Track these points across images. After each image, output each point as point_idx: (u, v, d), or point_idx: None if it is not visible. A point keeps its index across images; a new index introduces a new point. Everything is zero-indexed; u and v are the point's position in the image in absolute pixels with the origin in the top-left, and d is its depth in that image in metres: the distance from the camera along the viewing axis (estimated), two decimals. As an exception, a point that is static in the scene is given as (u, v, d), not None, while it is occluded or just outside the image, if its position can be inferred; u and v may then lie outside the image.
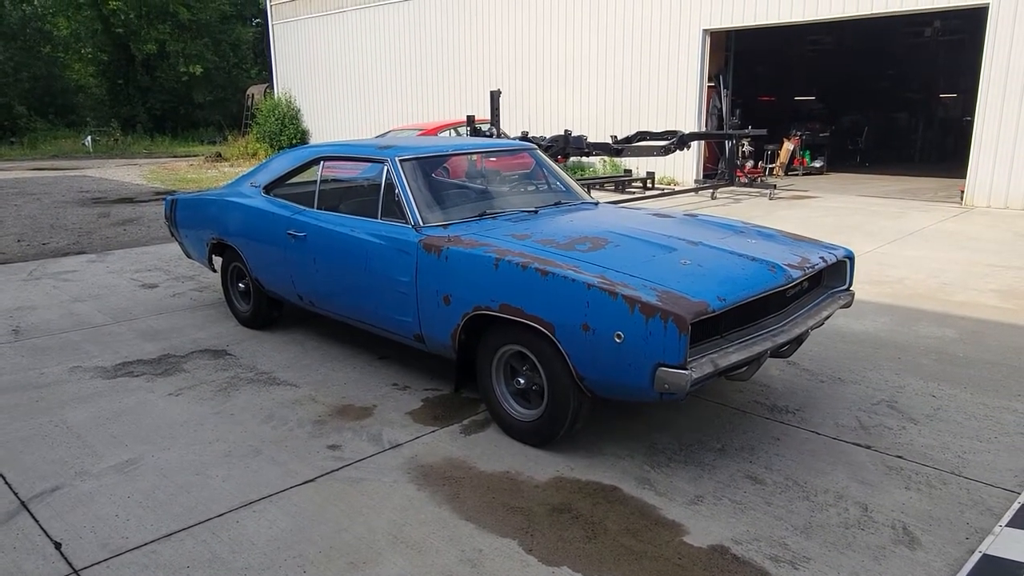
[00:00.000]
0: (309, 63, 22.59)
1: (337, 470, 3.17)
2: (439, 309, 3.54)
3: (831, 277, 3.85)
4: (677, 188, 13.16)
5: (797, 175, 15.80)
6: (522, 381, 3.36)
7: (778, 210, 10.49)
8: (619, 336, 2.83)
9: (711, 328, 3.04)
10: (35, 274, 7.04)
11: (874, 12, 11.64)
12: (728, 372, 3.00)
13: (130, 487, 3.03)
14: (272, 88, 24.27)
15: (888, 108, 20.66)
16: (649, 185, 13.41)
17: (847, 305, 3.80)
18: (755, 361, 3.07)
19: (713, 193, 12.33)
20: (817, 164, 16.28)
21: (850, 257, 3.81)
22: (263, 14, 26.92)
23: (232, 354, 4.68)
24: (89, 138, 26.77)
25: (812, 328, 3.42)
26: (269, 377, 4.27)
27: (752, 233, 3.92)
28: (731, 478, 3.07)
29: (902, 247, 7.79)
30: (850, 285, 3.85)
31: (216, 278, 6.48)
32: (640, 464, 3.19)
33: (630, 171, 14.32)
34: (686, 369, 2.73)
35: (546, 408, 3.24)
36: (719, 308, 2.88)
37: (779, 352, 3.32)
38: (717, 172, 13.83)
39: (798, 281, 3.35)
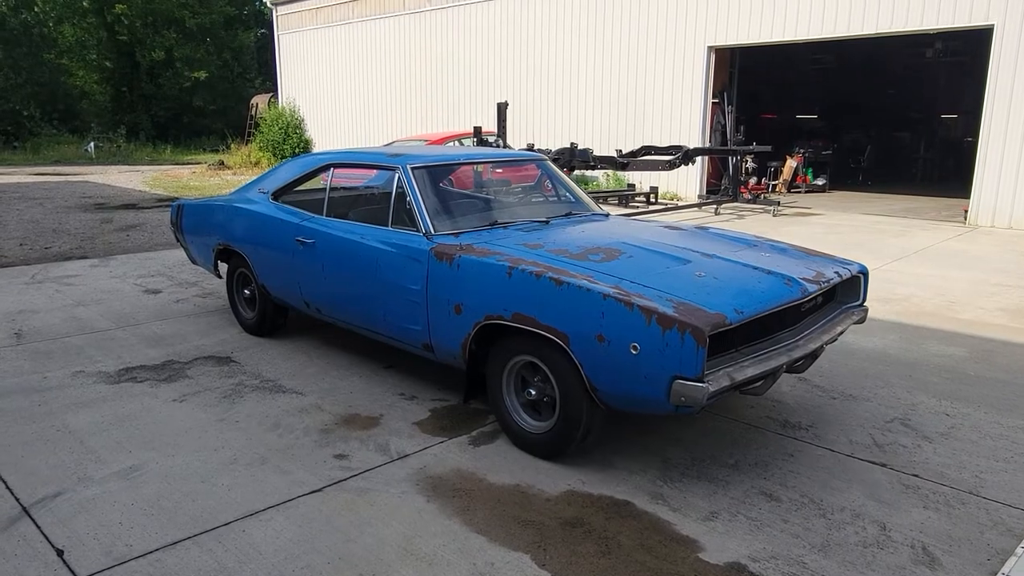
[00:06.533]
0: (314, 74, 22.68)
1: (344, 480, 3.11)
2: (450, 318, 3.50)
3: (844, 292, 3.81)
4: (680, 203, 13.16)
5: (800, 192, 15.83)
6: (533, 392, 3.31)
7: (783, 227, 10.48)
8: (635, 348, 2.79)
9: (727, 341, 3.00)
10: (37, 278, 7.00)
11: (879, 31, 11.70)
12: (744, 386, 2.96)
13: (134, 494, 2.97)
14: (276, 98, 24.34)
15: (889, 128, 20.75)
16: (652, 200, 13.41)
17: (861, 321, 3.77)
18: (771, 376, 3.03)
19: (717, 209, 12.33)
20: (819, 182, 16.30)
21: (864, 273, 3.78)
22: (268, 25, 27.06)
23: (237, 361, 4.63)
24: (92, 144, 26.78)
25: (827, 343, 3.38)
26: (274, 385, 4.22)
27: (765, 247, 3.89)
28: (746, 494, 3.02)
29: (908, 265, 7.77)
30: (863, 301, 3.82)
31: (220, 284, 6.45)
32: (653, 479, 3.15)
33: (633, 185, 14.33)
34: (703, 382, 2.69)
35: (558, 420, 3.19)
36: (736, 321, 2.84)
37: (793, 367, 3.27)
38: (720, 188, 13.85)
39: (814, 295, 3.32)
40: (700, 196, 13.83)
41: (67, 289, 6.54)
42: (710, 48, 13.74)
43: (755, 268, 3.35)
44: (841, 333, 3.55)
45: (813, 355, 3.31)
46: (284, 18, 23.38)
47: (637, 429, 3.62)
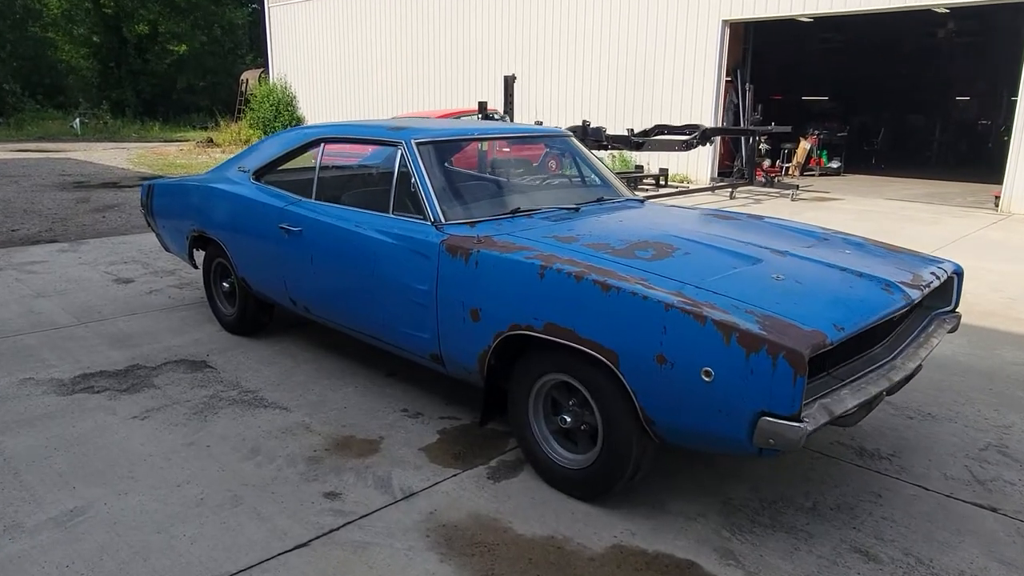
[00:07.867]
0: (306, 48, 21.81)
1: (336, 530, 2.51)
2: (465, 326, 2.89)
3: (933, 296, 3.20)
4: (692, 186, 12.50)
5: (813, 175, 15.20)
6: (568, 419, 2.70)
7: (805, 212, 9.86)
8: (708, 374, 2.18)
9: (818, 363, 2.39)
10: (-2, 264, 6.34)
11: (907, 4, 11.01)
12: (839, 419, 2.36)
13: (70, 550, 2.36)
14: (267, 73, 23.45)
15: (902, 109, 20.08)
16: (662, 182, 12.75)
17: (954, 329, 3.17)
18: (868, 404, 2.43)
19: (732, 192, 11.69)
20: (834, 165, 15.67)
21: (959, 273, 3.18)
22: (260, -3, 26.08)
23: (212, 367, 4.00)
24: (78, 120, 25.87)
25: (924, 360, 2.78)
26: (255, 397, 3.61)
27: (838, 241, 3.28)
28: (835, 552, 2.43)
29: (949, 256, 7.15)
30: (956, 306, 3.22)
31: (199, 274, 5.80)
32: (717, 528, 2.55)
33: (642, 167, 13.66)
34: (800, 421, 2.08)
35: (600, 454, 2.59)
36: (837, 339, 2.23)
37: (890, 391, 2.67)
38: (733, 170, 13.21)
39: (915, 303, 2.71)
40: (713, 179, 13.18)
41: (29, 278, 5.88)
42: (724, 22, 13.01)
43: (842, 269, 2.74)
44: (936, 345, 2.95)
45: (910, 376, 2.71)
46: (276, -11, 22.45)
47: (685, 457, 3.02)
